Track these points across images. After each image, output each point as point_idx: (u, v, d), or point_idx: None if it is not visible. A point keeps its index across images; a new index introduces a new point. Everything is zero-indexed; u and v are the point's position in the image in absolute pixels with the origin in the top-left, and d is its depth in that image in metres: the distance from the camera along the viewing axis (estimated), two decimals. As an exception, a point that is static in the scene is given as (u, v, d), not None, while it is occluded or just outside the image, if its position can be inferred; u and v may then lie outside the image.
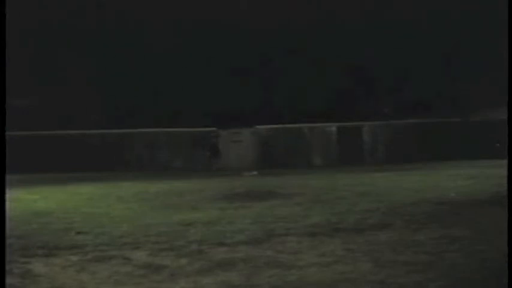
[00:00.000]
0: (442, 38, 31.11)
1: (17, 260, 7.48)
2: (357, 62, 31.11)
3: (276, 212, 11.30)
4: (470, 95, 29.58)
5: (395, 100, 31.11)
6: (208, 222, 10.28)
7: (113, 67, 30.12)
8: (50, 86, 29.81)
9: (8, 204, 7.38)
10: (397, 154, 27.06)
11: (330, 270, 6.79)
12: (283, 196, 14.02)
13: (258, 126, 27.79)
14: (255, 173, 22.84)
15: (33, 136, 26.32)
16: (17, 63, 24.67)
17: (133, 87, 30.53)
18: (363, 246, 8.01)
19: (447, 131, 27.66)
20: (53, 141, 26.49)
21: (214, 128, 27.69)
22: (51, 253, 7.94)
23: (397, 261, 7.04)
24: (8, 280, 6.28)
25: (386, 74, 31.28)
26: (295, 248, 8.03)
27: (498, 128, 21.75)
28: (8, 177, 7.08)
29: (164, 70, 30.74)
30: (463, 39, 30.93)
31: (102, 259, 7.55)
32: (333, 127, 28.16)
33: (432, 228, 9.13)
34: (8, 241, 7.32)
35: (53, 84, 29.92)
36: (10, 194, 10.21)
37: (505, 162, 7.71)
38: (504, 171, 7.51)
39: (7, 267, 6.48)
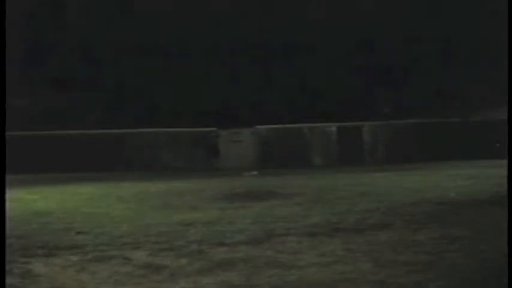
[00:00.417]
0: (442, 38, 31.10)
1: (17, 260, 7.48)
2: (357, 61, 31.11)
3: (276, 212, 11.30)
4: (470, 95, 29.56)
5: (395, 100, 31.10)
6: (208, 222, 10.28)
7: (113, 67, 30.11)
8: (50, 86, 29.78)
9: (8, 204, 7.39)
10: (397, 154, 27.02)
11: (330, 270, 6.79)
12: (283, 196, 14.01)
13: (258, 126, 27.77)
14: (255, 173, 22.82)
15: (33, 136, 26.27)
16: (17, 63, 24.64)
17: (133, 87, 30.51)
18: (363, 246, 8.01)
19: (447, 131, 27.61)
20: (53, 141, 26.44)
21: (214, 128, 27.69)
22: (51, 253, 7.95)
23: (397, 261, 7.05)
24: (8, 280, 6.28)
25: (387, 73, 31.27)
26: (295, 248, 8.04)
27: (498, 128, 21.72)
28: (8, 177, 7.10)
29: (164, 70, 30.72)
30: (463, 39, 30.92)
31: (102, 259, 7.55)
32: (333, 127, 28.13)
33: (432, 228, 9.13)
34: (8, 241, 7.32)
35: (53, 84, 29.89)
36: (10, 194, 10.20)
37: (505, 162, 7.73)
38: (504, 171, 7.52)
39: (7, 267, 6.48)
